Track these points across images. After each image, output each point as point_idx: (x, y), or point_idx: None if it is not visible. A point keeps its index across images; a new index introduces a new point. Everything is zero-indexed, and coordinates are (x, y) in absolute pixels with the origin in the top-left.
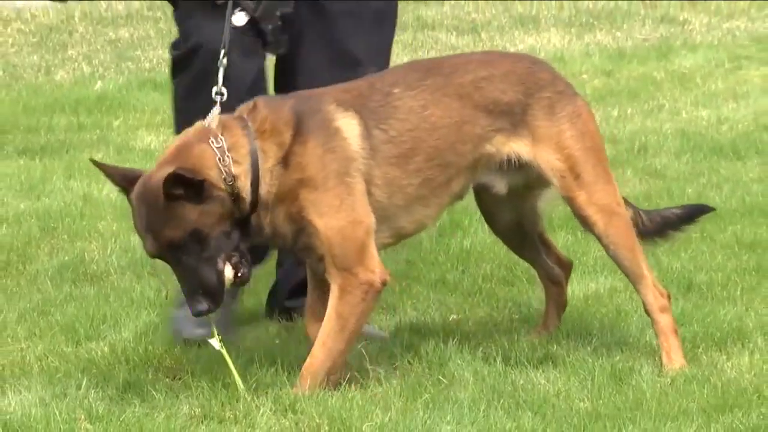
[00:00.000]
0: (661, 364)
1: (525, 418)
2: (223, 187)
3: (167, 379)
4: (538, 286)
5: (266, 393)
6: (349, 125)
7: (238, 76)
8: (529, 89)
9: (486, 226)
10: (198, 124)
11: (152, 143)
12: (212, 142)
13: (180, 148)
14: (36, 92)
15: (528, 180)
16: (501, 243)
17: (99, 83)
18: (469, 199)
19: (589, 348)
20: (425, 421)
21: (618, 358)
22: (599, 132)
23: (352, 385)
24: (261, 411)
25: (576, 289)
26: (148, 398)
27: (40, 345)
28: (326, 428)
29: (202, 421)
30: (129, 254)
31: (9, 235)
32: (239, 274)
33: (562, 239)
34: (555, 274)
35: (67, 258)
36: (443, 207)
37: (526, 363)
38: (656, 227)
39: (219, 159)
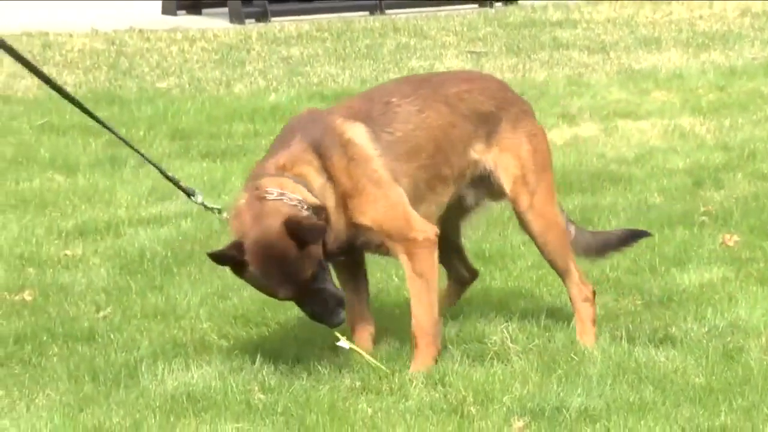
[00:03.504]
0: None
1: (647, 392)
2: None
3: (331, 356)
4: (659, 276)
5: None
6: (358, 133)
7: None
8: (500, 104)
9: (615, 221)
10: (262, 180)
11: None
12: (291, 185)
13: (265, 204)
14: (217, 103)
15: (489, 192)
16: None
17: (273, 95)
18: (590, 198)
19: (703, 330)
20: (558, 394)
21: (729, 339)
22: (550, 153)
23: (495, 362)
24: (413, 384)
25: (693, 278)
26: (314, 372)
27: (219, 325)
28: (471, 399)
29: (361, 393)
30: None
31: (193, 228)
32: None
33: (680, 234)
34: (463, 277)
35: None
36: (442, 207)
37: (647, 343)
38: (598, 246)
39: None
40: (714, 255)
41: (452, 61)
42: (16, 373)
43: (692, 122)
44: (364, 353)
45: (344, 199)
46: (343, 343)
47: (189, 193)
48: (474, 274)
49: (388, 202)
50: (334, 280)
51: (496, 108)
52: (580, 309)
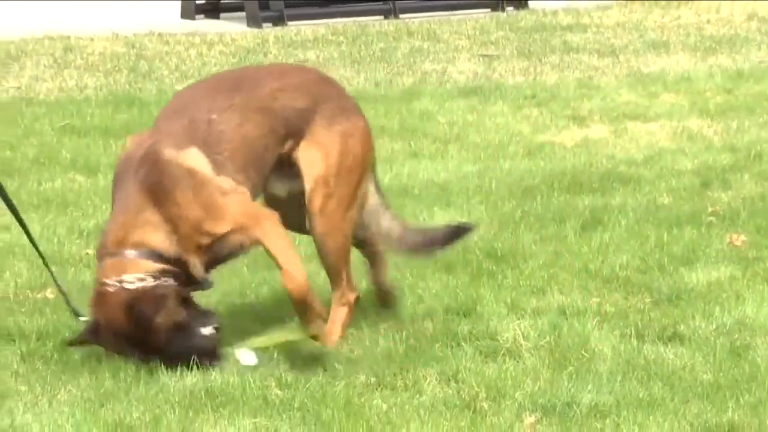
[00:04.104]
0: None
1: (656, 388)
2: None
3: (347, 352)
4: (668, 274)
5: (432, 365)
6: (195, 158)
7: None
8: (316, 99)
9: (624, 221)
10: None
11: None
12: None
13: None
14: None
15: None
16: (636, 236)
17: None
18: (600, 199)
19: (711, 327)
20: (569, 390)
21: (736, 336)
22: (366, 153)
23: (507, 359)
24: (427, 381)
25: (700, 276)
26: (330, 369)
27: (238, 323)
28: (483, 395)
29: (376, 389)
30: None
31: None
32: (215, 327)
33: (688, 234)
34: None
35: (261, 248)
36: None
37: (656, 340)
38: (425, 243)
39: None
40: (721, 254)
41: (465, 64)
42: (38, 369)
43: (700, 124)
44: (273, 338)
45: (198, 226)
46: (246, 355)
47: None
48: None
49: (237, 200)
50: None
51: (311, 103)
52: (336, 309)
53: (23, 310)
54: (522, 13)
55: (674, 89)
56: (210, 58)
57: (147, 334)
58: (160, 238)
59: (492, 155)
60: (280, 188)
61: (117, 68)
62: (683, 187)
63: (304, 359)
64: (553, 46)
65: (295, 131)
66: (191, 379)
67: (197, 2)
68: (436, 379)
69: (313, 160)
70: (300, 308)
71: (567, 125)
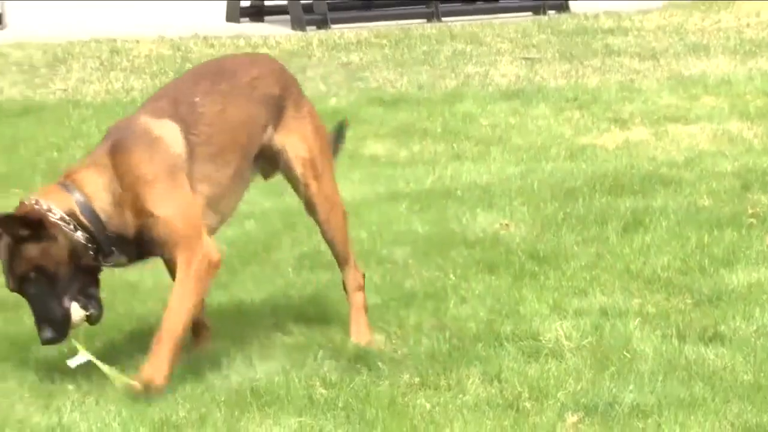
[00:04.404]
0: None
1: (696, 388)
2: (63, 225)
3: (391, 352)
4: (708, 276)
5: (475, 365)
6: (168, 130)
7: None
8: (284, 85)
9: (665, 222)
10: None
11: (379, 151)
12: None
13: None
14: None
15: (274, 167)
16: (677, 238)
17: (333, 99)
18: (642, 200)
19: (752, 328)
20: (611, 390)
21: None
22: (326, 133)
23: (549, 359)
24: (470, 380)
25: (741, 278)
26: (374, 368)
27: (282, 322)
28: (526, 395)
29: (420, 389)
30: (359, 246)
31: (256, 228)
32: (89, 314)
33: (728, 236)
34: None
35: (305, 249)
36: (243, 194)
37: (697, 341)
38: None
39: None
40: (761, 256)
41: (507, 67)
42: (86, 368)
43: (740, 127)
44: (102, 365)
45: (136, 189)
46: (79, 358)
47: None
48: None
49: (183, 200)
50: (69, 300)
51: (282, 89)
52: (354, 298)
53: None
54: (563, 16)
55: (714, 92)
56: None
57: (11, 250)
58: (98, 187)
59: (534, 157)
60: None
61: (162, 70)
62: (723, 189)
63: (349, 358)
64: (595, 50)
65: (272, 118)
66: (237, 378)
67: (242, 5)
68: (479, 379)
69: (296, 145)
70: (157, 353)
71: (608, 128)
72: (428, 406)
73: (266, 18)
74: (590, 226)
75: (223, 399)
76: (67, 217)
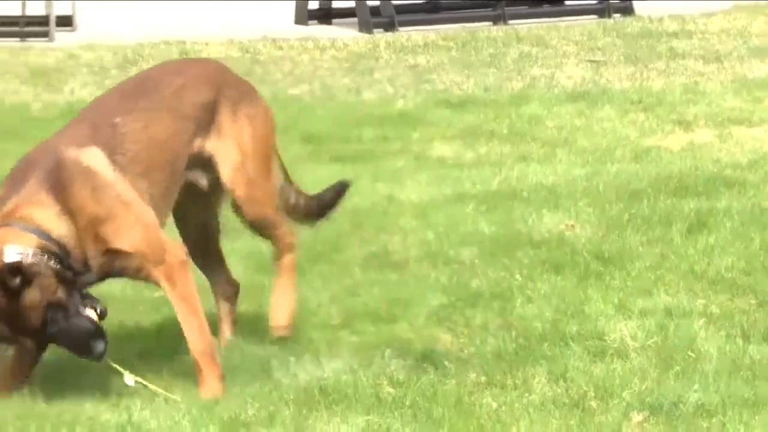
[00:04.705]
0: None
1: (761, 388)
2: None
3: (458, 352)
4: None
5: (541, 364)
6: (94, 158)
7: None
8: (220, 87)
9: (729, 224)
10: None
11: (445, 153)
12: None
13: None
14: (347, 109)
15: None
16: (741, 239)
17: (400, 102)
18: (706, 202)
19: None
20: (676, 389)
21: None
22: (273, 134)
23: (614, 358)
24: (537, 379)
25: None
26: (441, 367)
27: (349, 322)
28: (592, 394)
29: (486, 388)
30: (426, 246)
31: (323, 228)
32: (99, 311)
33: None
34: (227, 292)
35: (373, 249)
36: (172, 205)
37: (762, 341)
38: (318, 209)
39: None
40: None
41: (573, 70)
42: (156, 366)
43: None
44: (151, 386)
45: (93, 228)
46: (129, 379)
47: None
48: (236, 288)
49: (142, 224)
50: (84, 309)
51: (215, 94)
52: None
53: (141, 309)
54: (628, 19)
55: None
56: (322, 62)
57: (17, 309)
58: (51, 218)
59: (599, 159)
60: (201, 180)
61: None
62: None
63: (416, 357)
64: (659, 53)
65: (202, 125)
66: (304, 377)
67: (309, 8)
68: (545, 378)
69: (227, 150)
70: (203, 375)
71: (673, 130)
72: (494, 405)
73: (334, 21)
74: (655, 227)
75: (291, 397)
76: (37, 251)
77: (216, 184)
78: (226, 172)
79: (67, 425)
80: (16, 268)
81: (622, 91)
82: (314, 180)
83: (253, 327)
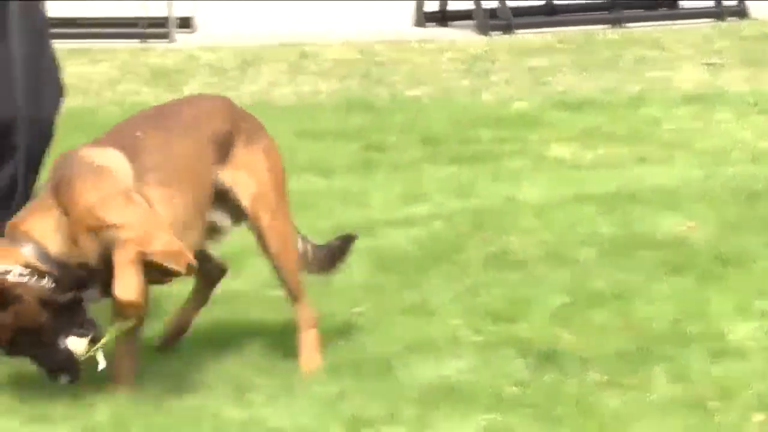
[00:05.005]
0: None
1: None
2: (22, 282)
3: (579, 351)
4: None
5: (661, 364)
6: (110, 157)
7: None
8: (234, 120)
9: None
10: None
11: (564, 154)
12: None
13: None
14: (465, 110)
15: (230, 212)
16: None
17: (518, 103)
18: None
19: None
20: None
21: None
22: (284, 170)
23: (734, 359)
24: (657, 380)
25: None
26: (562, 367)
27: (470, 321)
28: (712, 395)
29: (607, 388)
30: (545, 247)
31: (444, 229)
32: (90, 338)
33: None
34: (210, 274)
35: (493, 249)
36: (202, 234)
37: None
38: (328, 259)
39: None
40: None
41: (689, 72)
42: (277, 363)
43: None
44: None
45: (92, 214)
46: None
47: None
48: (223, 270)
49: (142, 212)
50: (64, 339)
51: (231, 125)
52: (306, 332)
53: (263, 306)
54: (743, 22)
55: None
56: (440, 65)
57: None
58: (49, 229)
59: (717, 161)
60: (226, 220)
61: (350, 74)
62: None
63: (537, 357)
64: None
65: (221, 156)
66: (426, 375)
67: (426, 10)
68: (665, 379)
69: (245, 180)
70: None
71: None
72: (615, 404)
73: (450, 23)
74: None
75: (413, 396)
76: (24, 270)
77: (222, 228)
78: (246, 201)
79: (192, 422)
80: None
81: (738, 93)
82: (434, 181)
83: (374, 326)
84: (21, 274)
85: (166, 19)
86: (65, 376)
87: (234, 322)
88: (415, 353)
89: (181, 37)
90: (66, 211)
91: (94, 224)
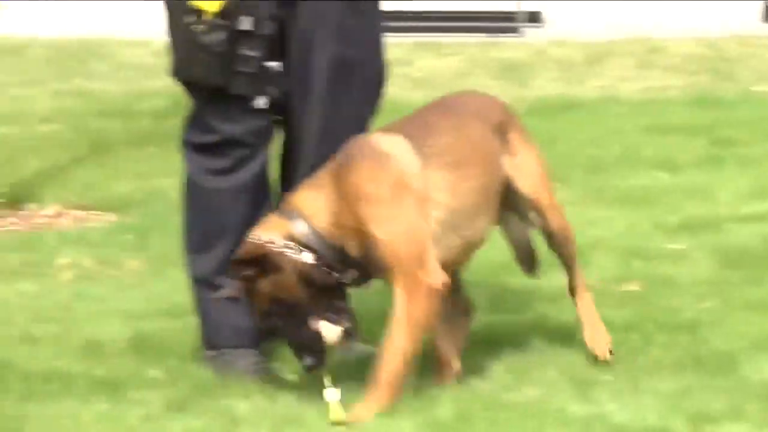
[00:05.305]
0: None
1: None
2: (287, 251)
3: None
4: None
5: None
6: (396, 144)
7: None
8: (508, 114)
9: None
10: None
11: None
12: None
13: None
14: None
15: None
16: None
17: None
18: None
19: None
20: None
21: None
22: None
23: None
24: None
25: None
26: None
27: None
28: None
29: None
30: None
31: None
32: (344, 329)
33: None
34: (466, 306)
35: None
36: (488, 226)
37: None
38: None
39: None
40: None
41: None
42: (623, 360)
43: None
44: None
45: (360, 211)
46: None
47: None
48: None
49: (407, 223)
50: (317, 320)
51: (507, 117)
52: (582, 297)
53: (609, 302)
54: None
55: None
56: None
57: (254, 297)
58: (321, 208)
59: None
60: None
61: (699, 70)
62: None
63: None
64: None
65: (502, 146)
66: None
67: None
68: None
69: (523, 166)
70: (374, 393)
71: None
72: None
73: None
74: None
75: (758, 392)
76: (290, 243)
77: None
78: (527, 184)
79: (535, 417)
80: (254, 259)
81: None
82: None
83: (718, 322)
84: (286, 246)
85: (515, 13)
86: (310, 358)
87: (574, 318)
88: (761, 350)
89: (529, 31)
90: (339, 193)
91: (361, 227)
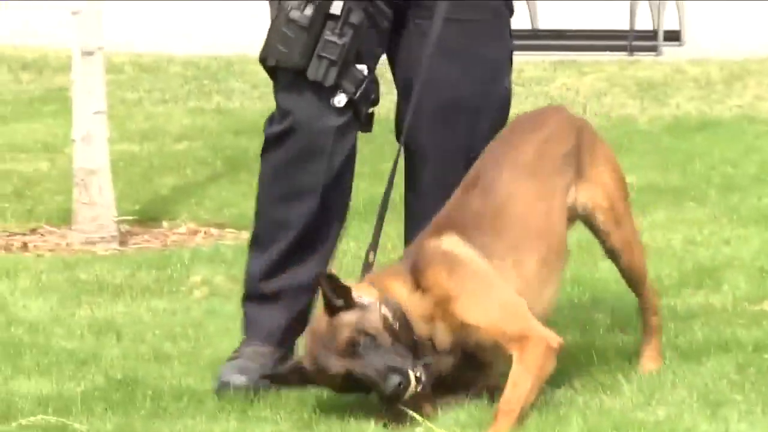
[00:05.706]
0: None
1: None
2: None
3: None
4: None
5: None
6: (453, 244)
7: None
8: (577, 134)
9: None
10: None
11: None
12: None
13: None
14: None
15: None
16: None
17: None
18: None
19: None
20: None
21: None
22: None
23: None
24: None
25: None
26: None
27: None
28: None
29: None
30: None
31: None
32: (418, 377)
33: None
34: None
35: None
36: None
37: None
38: None
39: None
40: None
41: None
42: (753, 380)
43: None
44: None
45: (446, 303)
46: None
47: None
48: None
49: (498, 298)
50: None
51: (576, 139)
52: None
53: (741, 321)
54: None
55: None
56: None
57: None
58: (403, 291)
59: None
60: None
61: None
62: None
63: None
64: None
65: (572, 175)
66: None
67: None
68: None
69: (596, 194)
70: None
71: None
72: None
73: None
74: None
75: None
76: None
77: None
78: (599, 216)
79: None
80: (343, 290)
81: None
82: None
83: None
84: (371, 301)
85: (654, 32)
86: (396, 376)
87: (705, 337)
88: None
89: (668, 50)
90: (424, 293)
91: (454, 322)
